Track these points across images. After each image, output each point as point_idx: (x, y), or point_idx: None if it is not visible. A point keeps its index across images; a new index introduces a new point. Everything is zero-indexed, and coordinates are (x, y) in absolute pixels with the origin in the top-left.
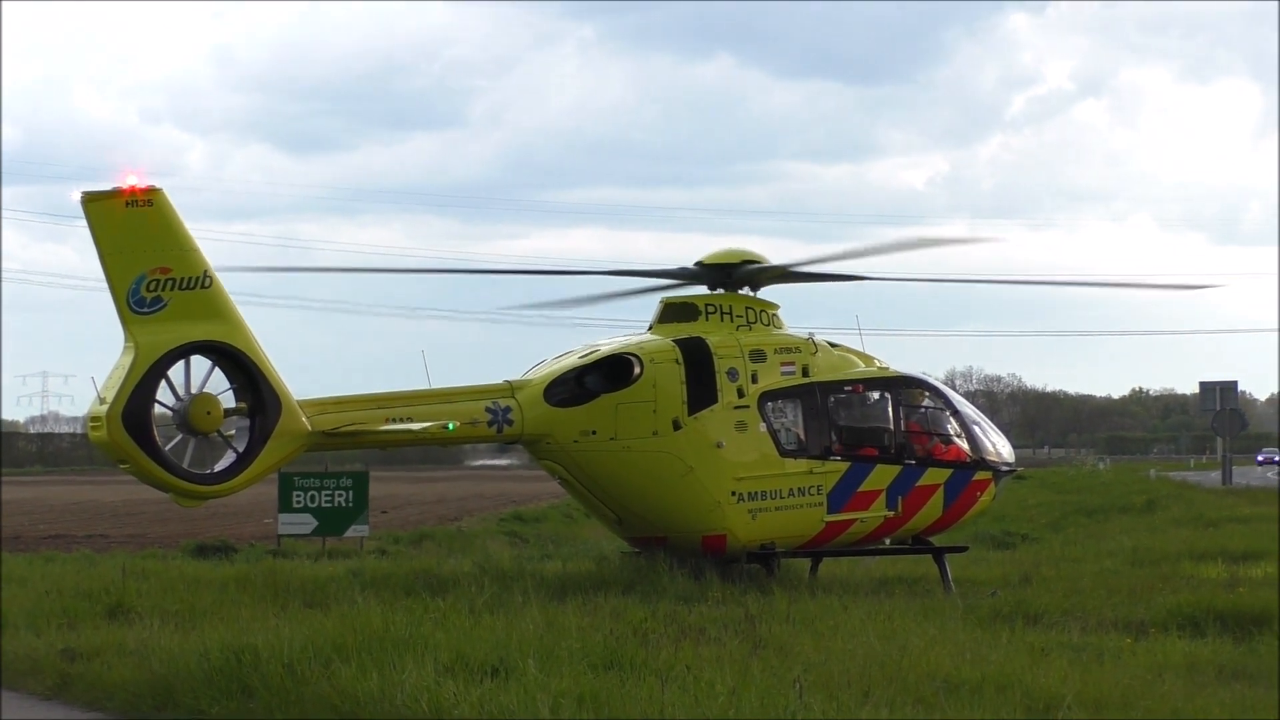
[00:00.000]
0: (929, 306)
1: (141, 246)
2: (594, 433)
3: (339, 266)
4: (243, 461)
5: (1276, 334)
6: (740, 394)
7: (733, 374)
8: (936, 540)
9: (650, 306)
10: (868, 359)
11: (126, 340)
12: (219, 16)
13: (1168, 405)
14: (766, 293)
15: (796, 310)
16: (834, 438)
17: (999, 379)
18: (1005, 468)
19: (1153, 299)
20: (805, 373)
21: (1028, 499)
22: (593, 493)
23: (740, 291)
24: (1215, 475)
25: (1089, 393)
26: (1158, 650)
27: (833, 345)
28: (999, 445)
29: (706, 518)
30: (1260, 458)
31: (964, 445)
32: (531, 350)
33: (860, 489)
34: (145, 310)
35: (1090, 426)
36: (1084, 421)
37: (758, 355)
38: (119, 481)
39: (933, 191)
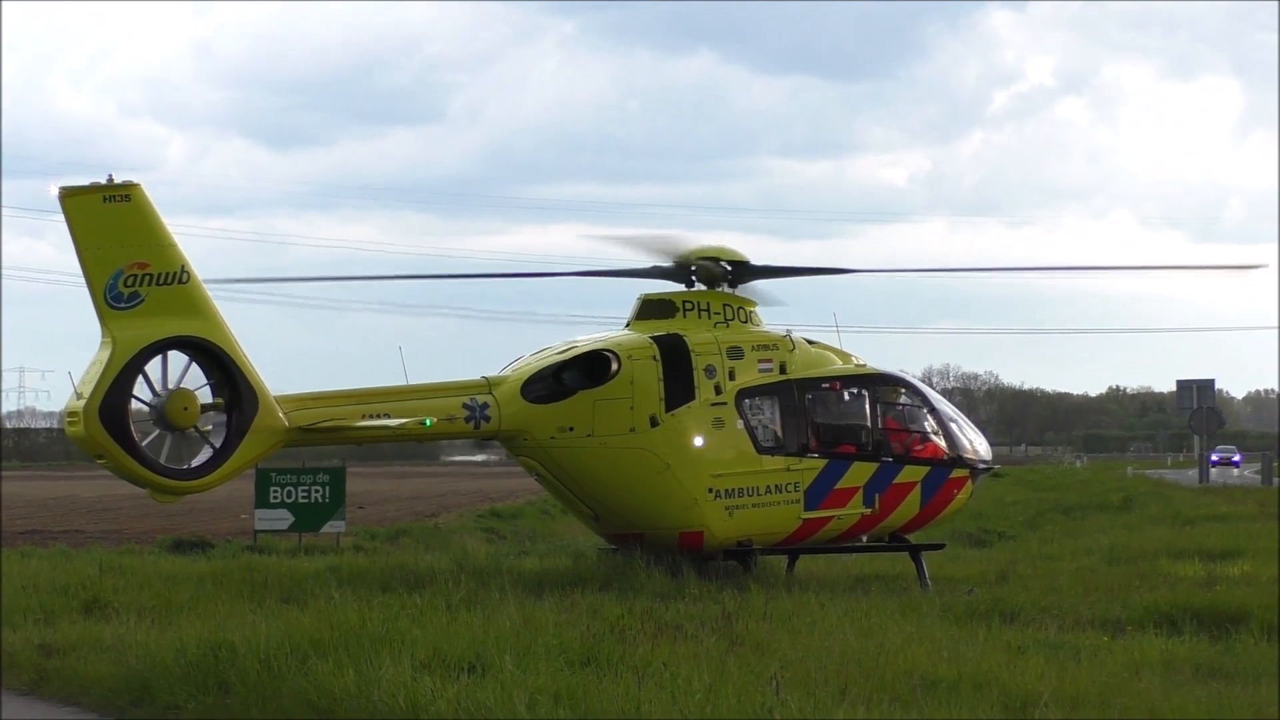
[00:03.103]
0: (907, 303)
1: (119, 242)
2: (571, 429)
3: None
4: (220, 457)
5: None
6: (718, 391)
7: (710, 371)
8: (913, 537)
9: (628, 302)
10: (845, 356)
11: (104, 335)
12: (199, 11)
13: (1145, 403)
14: (744, 290)
15: (774, 307)
16: (811, 435)
17: (976, 376)
18: (982, 465)
19: (1129, 296)
20: (783, 370)
21: (1005, 497)
22: (570, 489)
23: (718, 288)
24: (1192, 473)
25: (1066, 390)
26: (1135, 648)
27: (810, 342)
28: (976, 443)
29: (683, 514)
30: (1215, 458)
31: (941, 443)
32: (509, 347)
33: (837, 486)
34: (122, 305)
35: (1067, 424)
36: (1061, 419)
37: (735, 352)
38: (96, 477)
39: (914, 188)
